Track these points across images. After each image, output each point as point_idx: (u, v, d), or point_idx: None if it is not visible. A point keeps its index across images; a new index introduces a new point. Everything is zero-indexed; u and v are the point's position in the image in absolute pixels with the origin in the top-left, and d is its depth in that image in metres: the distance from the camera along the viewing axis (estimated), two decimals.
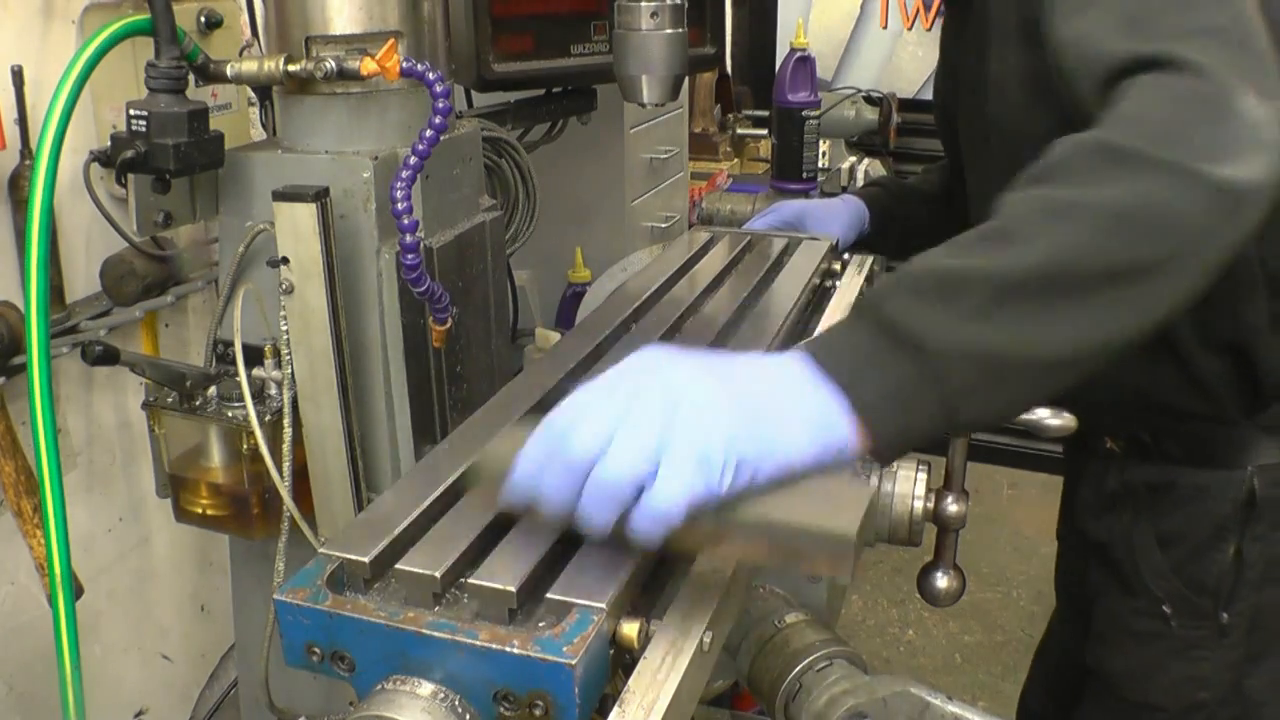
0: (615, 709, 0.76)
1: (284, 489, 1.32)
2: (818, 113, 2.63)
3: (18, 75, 1.58)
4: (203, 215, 1.40)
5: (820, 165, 2.79)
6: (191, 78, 1.29)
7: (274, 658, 1.42)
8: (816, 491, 0.82)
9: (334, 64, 1.26)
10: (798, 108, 2.59)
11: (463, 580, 0.86)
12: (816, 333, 0.97)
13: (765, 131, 3.17)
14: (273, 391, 1.34)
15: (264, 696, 1.46)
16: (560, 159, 2.20)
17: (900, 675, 1.05)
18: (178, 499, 1.41)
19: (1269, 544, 1.40)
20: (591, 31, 1.94)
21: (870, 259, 1.69)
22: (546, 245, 2.17)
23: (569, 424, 0.80)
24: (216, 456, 1.38)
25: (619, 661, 0.82)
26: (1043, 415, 1.27)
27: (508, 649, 0.78)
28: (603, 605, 0.80)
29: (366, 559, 0.86)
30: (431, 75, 1.24)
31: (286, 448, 1.32)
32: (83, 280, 1.77)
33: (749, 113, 3.67)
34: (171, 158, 1.23)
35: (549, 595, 0.82)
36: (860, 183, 2.53)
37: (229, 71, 1.32)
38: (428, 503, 0.94)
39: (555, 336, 1.93)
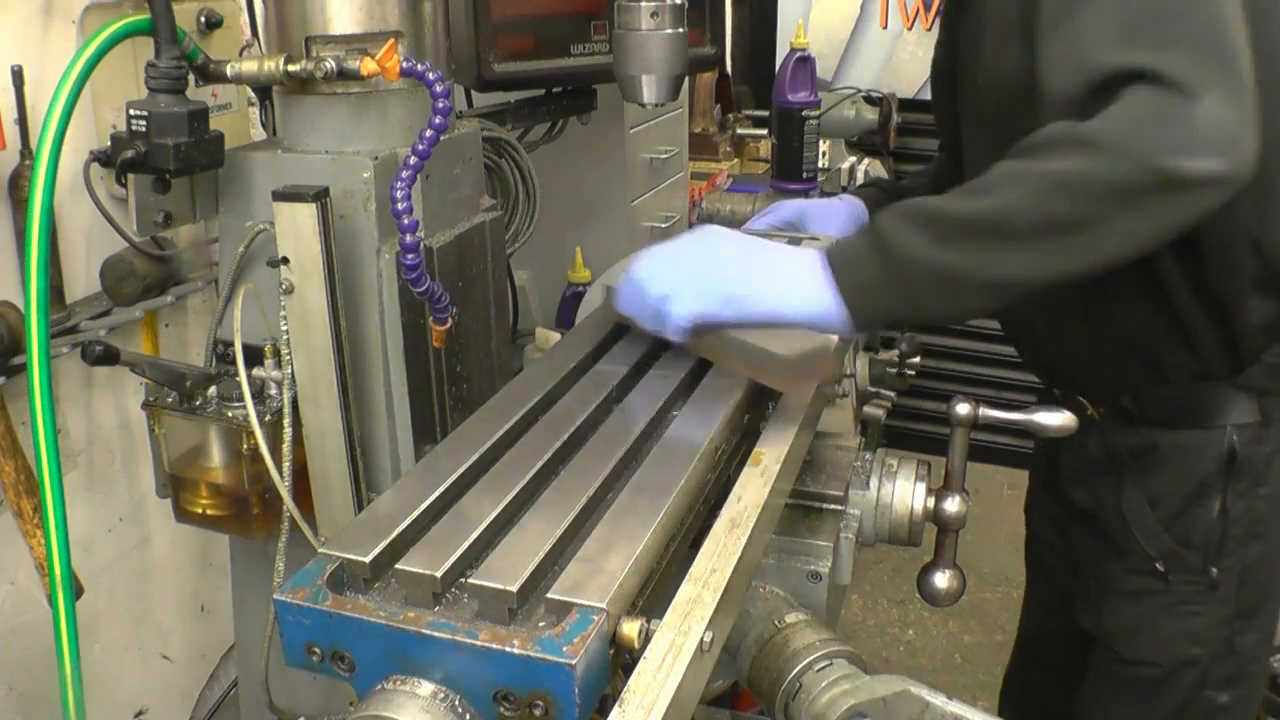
0: (615, 709, 0.76)
1: (284, 489, 1.32)
2: (818, 113, 2.62)
3: (18, 75, 1.58)
4: (203, 215, 1.40)
5: (820, 165, 2.78)
6: (191, 78, 1.29)
7: (274, 658, 1.42)
8: (797, 336, 1.20)
9: (334, 64, 1.26)
10: (798, 108, 2.59)
11: (463, 580, 0.86)
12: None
13: (765, 131, 3.17)
14: (273, 391, 1.34)
15: (264, 696, 1.46)
16: (560, 159, 2.20)
17: (900, 675, 1.05)
18: (178, 499, 1.41)
19: (1251, 500, 1.48)
20: (591, 31, 1.94)
21: None
22: (546, 245, 2.16)
23: (639, 263, 1.24)
24: (216, 456, 1.38)
25: (619, 661, 0.82)
26: (1043, 415, 1.28)
27: (508, 649, 0.78)
28: (603, 605, 0.80)
29: (366, 559, 0.86)
30: (431, 75, 1.24)
31: (286, 448, 1.32)
32: (83, 280, 1.77)
33: (749, 113, 3.66)
34: (171, 158, 1.23)
35: (549, 595, 0.82)
36: (860, 183, 2.53)
37: (229, 71, 1.32)
38: (428, 503, 0.95)
39: (555, 336, 1.93)
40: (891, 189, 1.91)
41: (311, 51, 1.30)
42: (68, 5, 1.69)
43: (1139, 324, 1.48)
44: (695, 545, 0.97)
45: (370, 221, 1.31)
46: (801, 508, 1.29)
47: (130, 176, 1.27)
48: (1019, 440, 3.82)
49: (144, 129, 1.23)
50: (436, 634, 0.80)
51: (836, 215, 1.79)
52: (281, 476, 1.32)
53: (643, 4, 1.57)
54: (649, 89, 1.63)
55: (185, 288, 1.89)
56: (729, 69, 3.71)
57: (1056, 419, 1.27)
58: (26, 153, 1.61)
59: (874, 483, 1.33)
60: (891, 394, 2.13)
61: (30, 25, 1.65)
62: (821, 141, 2.85)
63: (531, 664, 0.77)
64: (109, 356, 1.31)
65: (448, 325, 1.35)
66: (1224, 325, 1.45)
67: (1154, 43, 1.13)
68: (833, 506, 1.29)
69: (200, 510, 1.41)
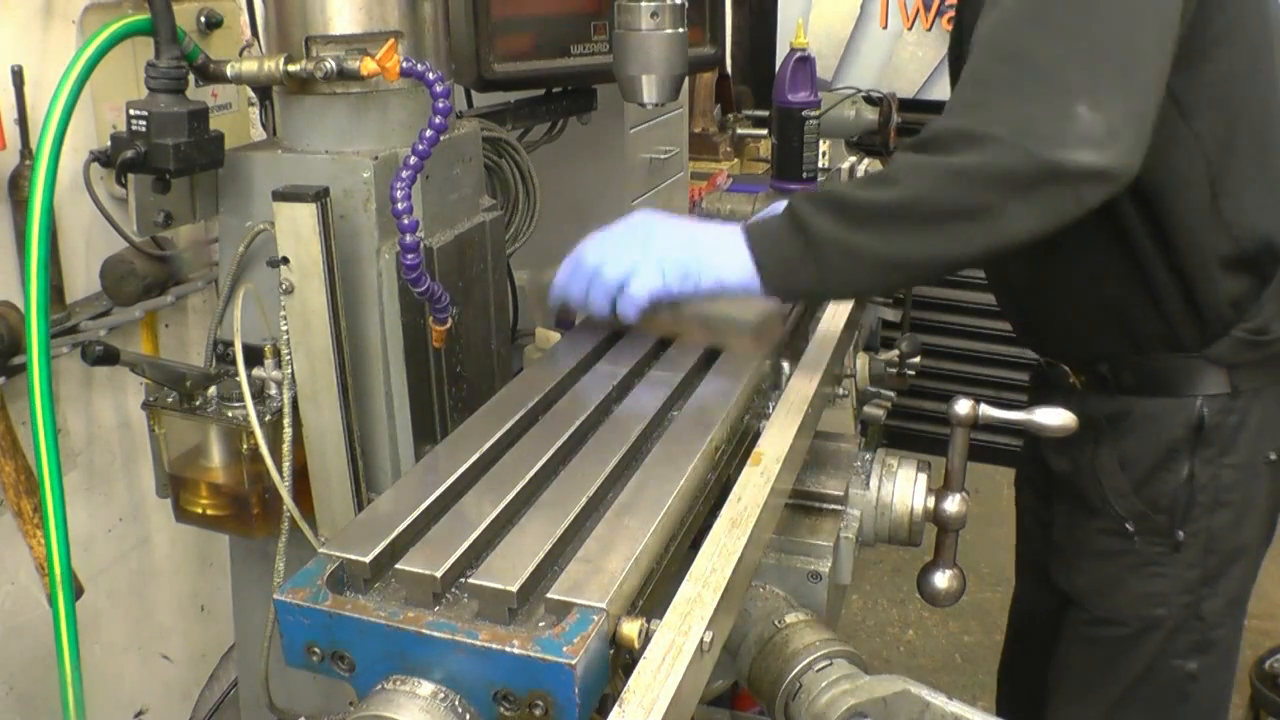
0: (615, 709, 0.76)
1: (284, 489, 1.32)
2: (818, 113, 2.62)
3: (18, 75, 1.58)
4: (203, 215, 1.40)
5: (820, 165, 2.78)
6: (191, 78, 1.29)
7: (274, 658, 1.42)
8: (744, 303, 1.30)
9: (334, 64, 1.26)
10: (798, 108, 2.58)
11: (463, 580, 0.86)
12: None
13: (765, 131, 3.17)
14: (273, 391, 1.34)
15: (264, 696, 1.46)
16: (560, 159, 2.19)
17: (900, 675, 1.05)
18: (178, 499, 1.41)
19: (1217, 468, 1.56)
20: (591, 31, 1.94)
21: None
22: (546, 245, 2.16)
23: (583, 250, 1.32)
24: (216, 456, 1.38)
25: (619, 661, 0.82)
26: (1043, 415, 1.28)
27: (508, 649, 0.78)
28: (603, 605, 0.80)
29: (366, 559, 0.86)
30: (431, 75, 1.24)
31: (286, 448, 1.32)
32: (83, 280, 1.77)
33: (749, 113, 3.66)
34: (171, 158, 1.23)
35: (549, 595, 0.82)
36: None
37: (229, 71, 1.31)
38: (428, 503, 0.95)
39: (555, 336, 1.93)
40: None
41: (311, 51, 1.30)
42: (68, 5, 1.69)
43: (1116, 294, 1.56)
44: (695, 545, 0.97)
45: (370, 221, 1.31)
46: (801, 508, 1.29)
47: (130, 176, 1.27)
48: (1019, 440, 3.82)
49: (144, 129, 1.23)
50: (436, 634, 0.80)
51: None
52: (281, 476, 1.32)
53: (643, 4, 1.57)
54: (649, 89, 1.63)
55: (185, 288, 1.89)
56: (729, 69, 3.71)
57: (1056, 419, 1.28)
58: (26, 153, 1.61)
59: (874, 483, 1.33)
60: (891, 394, 2.13)
61: (30, 25, 1.65)
62: (821, 141, 2.85)
63: (531, 664, 0.77)
64: (109, 356, 1.31)
65: (448, 325, 1.35)
66: (1193, 298, 1.53)
67: (1052, 35, 1.25)
68: (833, 506, 1.29)
69: (200, 510, 1.40)
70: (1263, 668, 2.79)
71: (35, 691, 1.78)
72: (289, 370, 1.31)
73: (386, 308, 1.34)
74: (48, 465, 1.28)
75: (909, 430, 3.92)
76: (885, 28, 3.87)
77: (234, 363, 1.31)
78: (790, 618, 1.18)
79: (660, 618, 0.85)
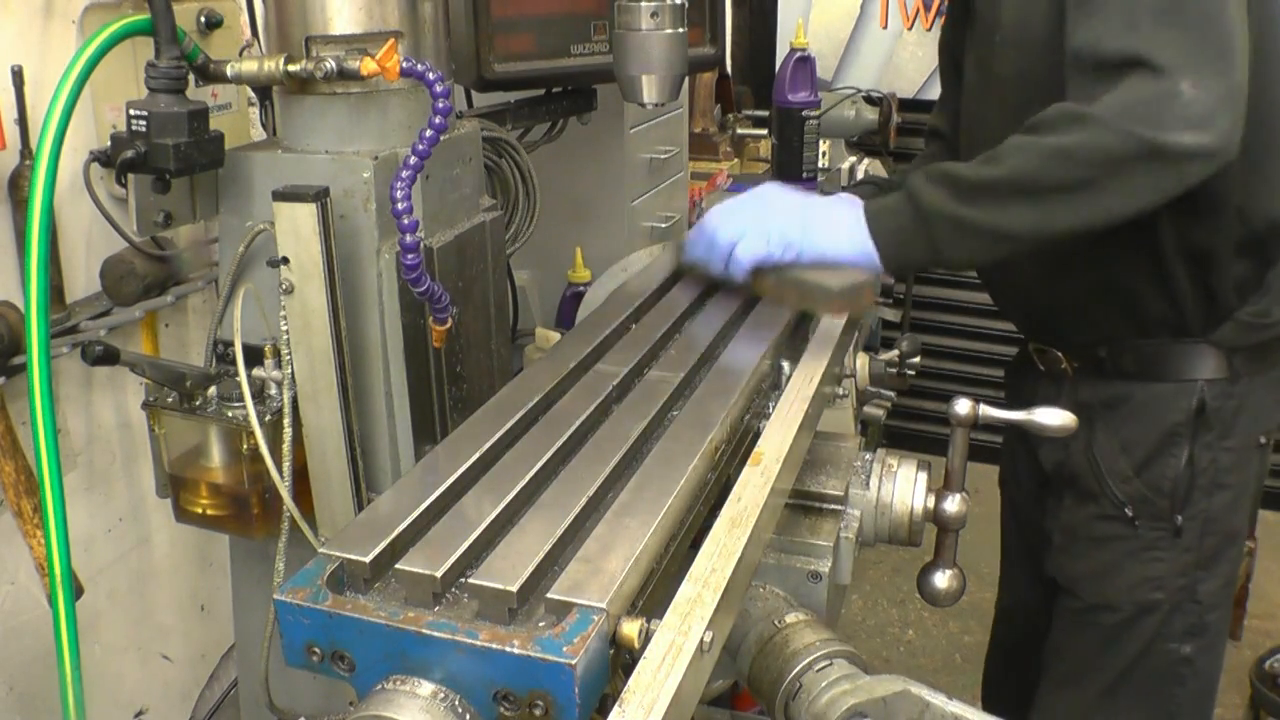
0: (615, 709, 0.76)
1: (284, 489, 1.32)
2: (818, 113, 2.63)
3: (18, 75, 1.58)
4: (203, 215, 1.40)
5: (820, 165, 2.79)
6: (191, 78, 1.29)
7: (274, 658, 1.42)
8: (838, 271, 1.41)
9: (334, 64, 1.26)
10: (798, 108, 2.59)
11: (463, 580, 0.86)
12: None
13: (765, 131, 3.17)
14: (273, 391, 1.34)
15: (264, 696, 1.46)
16: (560, 159, 2.19)
17: (900, 675, 1.05)
18: (178, 499, 1.41)
19: (1217, 452, 1.59)
20: (591, 31, 1.94)
21: None
22: (546, 245, 2.16)
23: (708, 218, 1.47)
24: (216, 456, 1.38)
25: (619, 661, 0.82)
26: (1043, 415, 1.28)
27: (508, 649, 0.78)
28: (603, 605, 0.80)
29: (366, 559, 0.86)
30: (431, 75, 1.24)
31: (286, 448, 1.32)
32: (83, 280, 1.77)
33: (749, 113, 3.66)
34: (171, 158, 1.23)
35: (549, 595, 0.82)
36: (858, 180, 2.55)
37: (229, 71, 1.31)
38: (428, 503, 0.94)
39: (555, 336, 1.93)
40: (887, 185, 1.95)
41: (311, 51, 1.30)
42: (68, 5, 1.69)
43: (1127, 273, 1.59)
44: (695, 545, 0.97)
45: (370, 221, 1.31)
46: (801, 508, 1.29)
47: (130, 176, 1.27)
48: None
49: (144, 129, 1.23)
50: (436, 634, 0.80)
51: None
52: (281, 476, 1.32)
53: (643, 4, 1.57)
54: (649, 89, 1.63)
55: (185, 288, 1.89)
56: (729, 69, 3.71)
57: (1057, 419, 1.28)
58: (26, 153, 1.61)
59: (874, 483, 1.33)
60: (891, 394, 2.13)
61: (30, 25, 1.65)
62: (821, 141, 2.85)
63: (531, 664, 0.77)
64: (109, 356, 1.31)
65: (448, 325, 1.35)
66: (1204, 281, 1.56)
67: (1151, 31, 1.31)
68: (833, 506, 1.29)
69: (200, 510, 1.40)
70: (1263, 668, 2.79)
71: (35, 691, 1.78)
72: (289, 370, 1.31)
73: (386, 308, 1.34)
74: (48, 465, 1.28)
75: (909, 430, 3.92)
76: (885, 28, 3.88)
77: (234, 363, 1.31)
78: (790, 618, 1.18)
79: (660, 618, 0.85)
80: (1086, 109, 1.30)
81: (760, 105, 3.59)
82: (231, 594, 1.59)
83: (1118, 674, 1.67)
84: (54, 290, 1.67)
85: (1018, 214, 1.34)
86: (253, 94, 1.85)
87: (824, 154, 3.15)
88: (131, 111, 1.23)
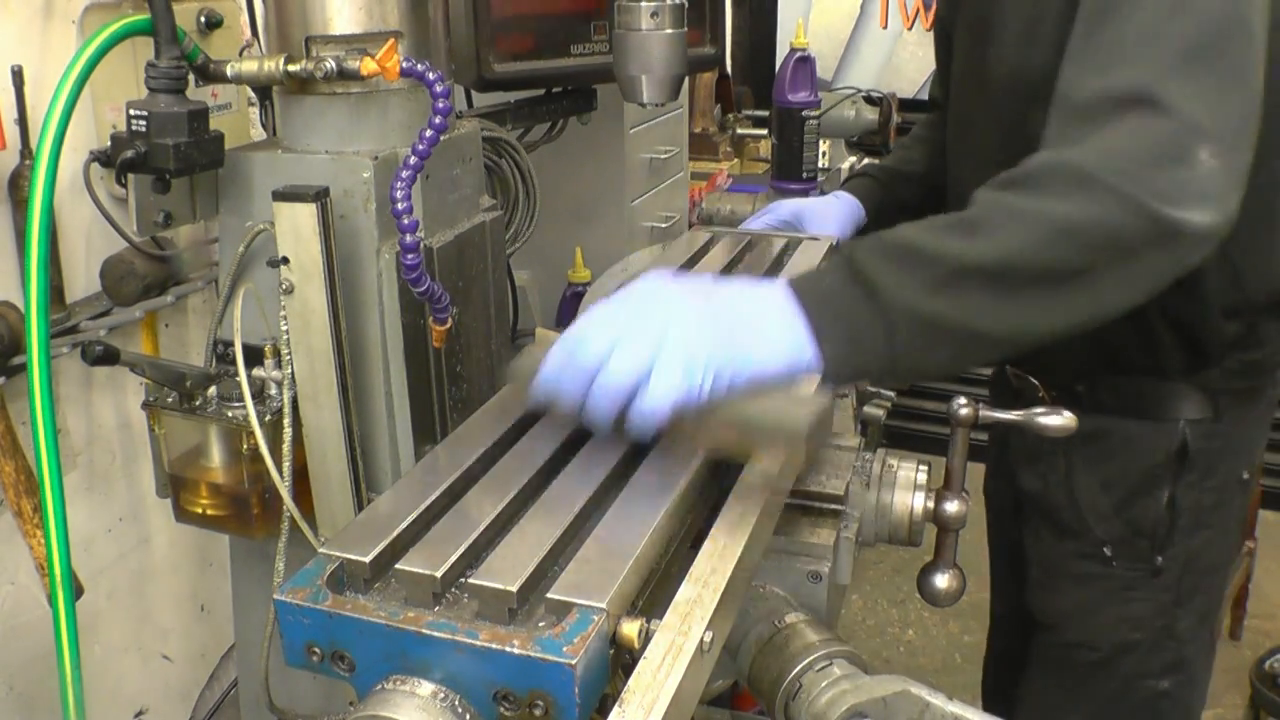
0: (615, 709, 0.76)
1: (284, 489, 1.32)
2: (818, 113, 2.63)
3: (18, 75, 1.58)
4: (203, 215, 1.40)
5: (820, 165, 2.79)
6: (191, 78, 1.29)
7: (274, 658, 1.42)
8: (780, 396, 1.00)
9: (334, 64, 1.26)
10: (798, 108, 2.59)
11: (463, 580, 0.86)
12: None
13: (765, 131, 3.17)
14: (273, 391, 1.34)
15: (264, 696, 1.46)
16: (560, 159, 2.20)
17: (900, 675, 1.05)
18: (178, 499, 1.41)
19: (1200, 492, 1.49)
20: (591, 31, 1.94)
21: None
22: (546, 245, 2.16)
23: (581, 337, 0.99)
24: (216, 456, 1.38)
25: (619, 661, 0.82)
26: (1043, 416, 1.28)
27: (508, 649, 0.78)
28: (603, 605, 0.80)
29: (366, 559, 0.86)
30: (431, 75, 1.24)
31: (286, 448, 1.32)
32: (83, 280, 1.77)
33: (749, 113, 3.66)
34: (171, 158, 1.23)
35: (549, 595, 0.82)
36: (852, 173, 2.54)
37: (229, 71, 1.31)
38: (428, 503, 0.95)
39: (555, 336, 1.92)
40: (884, 175, 1.91)
41: (311, 51, 1.30)
42: (68, 5, 1.69)
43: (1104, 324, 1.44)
44: (695, 545, 0.97)
45: (370, 221, 1.31)
46: (801, 508, 1.29)
47: (130, 176, 1.27)
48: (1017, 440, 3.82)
49: (144, 129, 1.23)
50: (436, 634, 0.80)
51: (835, 215, 1.79)
52: (281, 476, 1.32)
53: (643, 4, 1.57)
54: (649, 89, 1.63)
55: (185, 288, 1.89)
56: (729, 69, 3.71)
57: (1057, 420, 1.27)
58: (26, 153, 1.61)
59: (874, 483, 1.33)
60: (891, 394, 2.13)
61: (30, 25, 1.65)
62: (821, 141, 2.85)
63: (531, 664, 0.77)
64: (109, 356, 1.31)
65: (448, 325, 1.35)
66: (1187, 339, 1.45)
67: (1178, 72, 1.07)
68: (833, 506, 1.29)
69: (200, 510, 1.40)
70: (1263, 668, 2.79)
71: (35, 691, 1.78)
72: (289, 370, 1.31)
73: (386, 308, 1.34)
74: (48, 465, 1.28)
75: (909, 430, 3.91)
76: (885, 28, 3.88)
77: (234, 363, 1.31)
78: (790, 618, 1.18)
79: (660, 618, 0.85)
80: (1084, 163, 1.04)
81: (760, 105, 3.59)
82: (231, 594, 1.59)
83: (1094, 711, 1.62)
84: (54, 290, 1.67)
85: (1006, 309, 1.03)
86: (253, 94, 1.85)
87: (824, 154, 3.15)
88: (131, 111, 1.23)
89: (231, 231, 1.38)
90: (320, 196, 1.23)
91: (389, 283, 1.33)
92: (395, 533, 0.90)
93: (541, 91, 2.02)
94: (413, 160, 1.23)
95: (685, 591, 0.88)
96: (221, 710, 2.15)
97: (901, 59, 3.90)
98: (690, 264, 1.60)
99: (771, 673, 1.13)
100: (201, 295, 1.99)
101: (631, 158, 2.43)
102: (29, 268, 1.23)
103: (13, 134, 1.60)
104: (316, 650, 0.84)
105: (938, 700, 1.03)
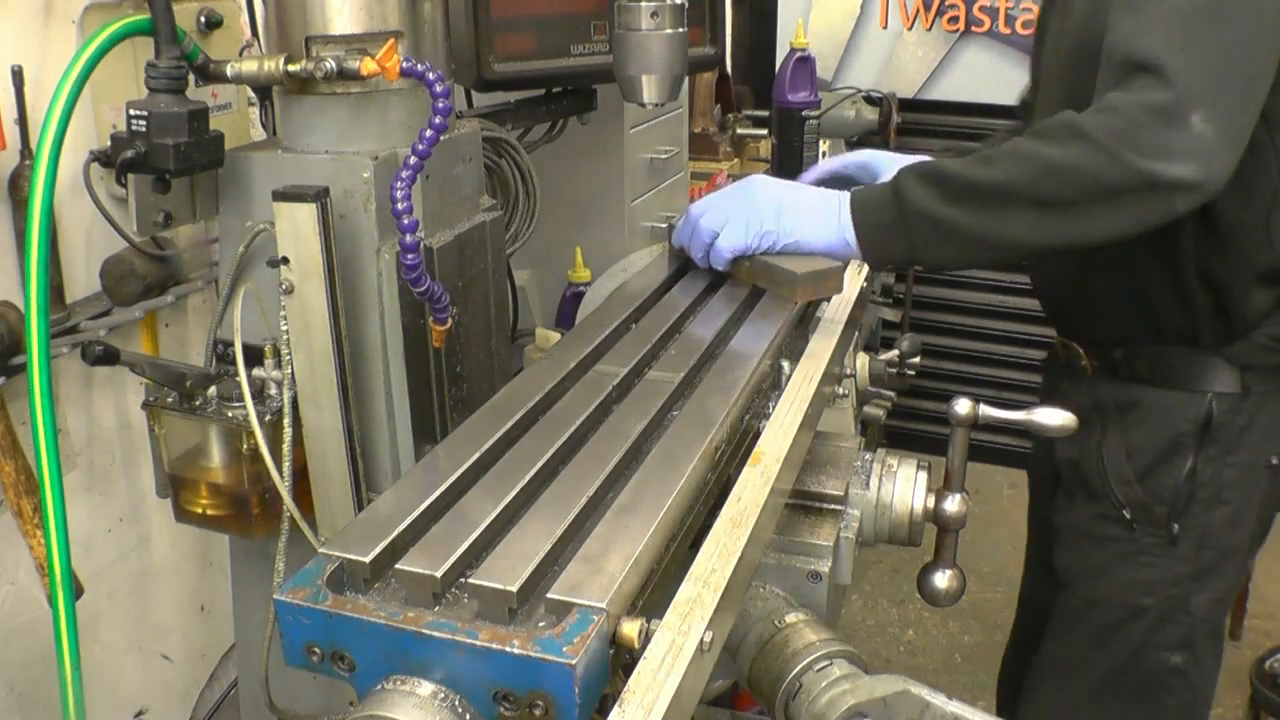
0: (615, 709, 0.76)
1: (284, 489, 1.32)
2: (818, 113, 2.63)
3: (18, 75, 1.58)
4: (203, 215, 1.40)
5: None
6: (191, 78, 1.29)
7: (274, 658, 1.42)
8: (810, 258, 1.46)
9: (334, 64, 1.26)
10: (798, 108, 2.59)
11: (463, 580, 0.86)
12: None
13: (765, 131, 3.17)
14: (273, 391, 1.34)
15: (264, 696, 1.46)
16: (560, 159, 2.19)
17: (900, 675, 1.05)
18: (178, 499, 1.41)
19: (1220, 466, 1.58)
20: (591, 31, 1.94)
21: None
22: (546, 245, 2.16)
23: (697, 204, 1.52)
24: (216, 456, 1.38)
25: (619, 661, 0.82)
26: (1043, 415, 1.28)
27: (508, 649, 0.78)
28: (603, 605, 0.80)
29: (366, 559, 0.86)
30: (431, 75, 1.24)
31: (286, 448, 1.32)
32: (83, 280, 1.77)
33: (749, 113, 3.66)
34: (171, 158, 1.23)
35: (549, 595, 0.82)
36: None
37: (229, 71, 1.31)
38: (428, 503, 0.95)
39: (555, 336, 1.93)
40: (961, 151, 1.96)
41: (311, 51, 1.30)
42: (68, 5, 1.69)
43: (1146, 280, 1.57)
44: (695, 545, 0.97)
45: (370, 221, 1.31)
46: (801, 508, 1.29)
47: (130, 176, 1.27)
48: (1019, 440, 3.82)
49: (144, 129, 1.23)
50: (436, 634, 0.80)
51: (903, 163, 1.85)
52: (281, 476, 1.32)
53: (643, 4, 1.57)
54: (649, 89, 1.63)
55: (185, 288, 1.89)
56: (729, 69, 3.71)
57: (1056, 419, 1.28)
58: (26, 153, 1.61)
59: (874, 483, 1.33)
60: (891, 394, 2.13)
61: (30, 25, 1.65)
62: (821, 141, 2.85)
63: (531, 664, 0.77)
64: (109, 356, 1.31)
65: (448, 325, 1.35)
66: (1221, 303, 1.54)
67: (1181, 43, 1.28)
68: (833, 506, 1.29)
69: (200, 510, 1.40)
70: (1263, 668, 2.79)
71: (35, 691, 1.78)
72: (289, 370, 1.31)
73: (386, 308, 1.34)
74: (48, 465, 1.28)
75: (909, 430, 3.92)
76: (885, 28, 3.87)
77: (234, 363, 1.31)
78: (790, 618, 1.18)
79: (660, 618, 0.85)
80: (1087, 122, 1.28)
81: (760, 105, 3.59)
82: (231, 594, 1.59)
83: (1105, 675, 1.68)
84: (54, 290, 1.67)
85: (999, 221, 1.32)
86: (253, 94, 1.85)
87: (824, 154, 3.15)
88: (131, 111, 1.23)
89: (231, 231, 1.38)
90: (320, 196, 1.23)
91: (389, 283, 1.33)
92: (395, 533, 0.90)
93: (541, 91, 2.02)
94: (413, 160, 1.23)
95: (685, 591, 0.88)
96: (221, 710, 2.15)
97: (901, 59, 3.90)
98: (690, 265, 1.60)
99: (771, 673, 1.13)
100: (201, 295, 1.99)
101: (631, 158, 2.43)
102: (29, 268, 1.23)
103: (13, 134, 1.60)
104: (316, 650, 0.84)
105: (938, 700, 1.03)
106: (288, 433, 1.32)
